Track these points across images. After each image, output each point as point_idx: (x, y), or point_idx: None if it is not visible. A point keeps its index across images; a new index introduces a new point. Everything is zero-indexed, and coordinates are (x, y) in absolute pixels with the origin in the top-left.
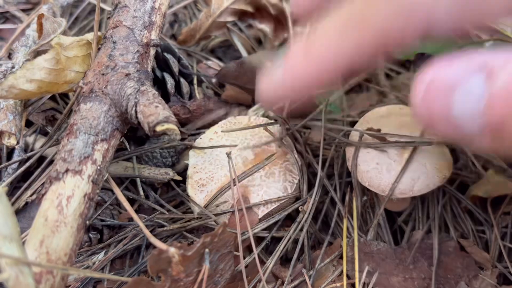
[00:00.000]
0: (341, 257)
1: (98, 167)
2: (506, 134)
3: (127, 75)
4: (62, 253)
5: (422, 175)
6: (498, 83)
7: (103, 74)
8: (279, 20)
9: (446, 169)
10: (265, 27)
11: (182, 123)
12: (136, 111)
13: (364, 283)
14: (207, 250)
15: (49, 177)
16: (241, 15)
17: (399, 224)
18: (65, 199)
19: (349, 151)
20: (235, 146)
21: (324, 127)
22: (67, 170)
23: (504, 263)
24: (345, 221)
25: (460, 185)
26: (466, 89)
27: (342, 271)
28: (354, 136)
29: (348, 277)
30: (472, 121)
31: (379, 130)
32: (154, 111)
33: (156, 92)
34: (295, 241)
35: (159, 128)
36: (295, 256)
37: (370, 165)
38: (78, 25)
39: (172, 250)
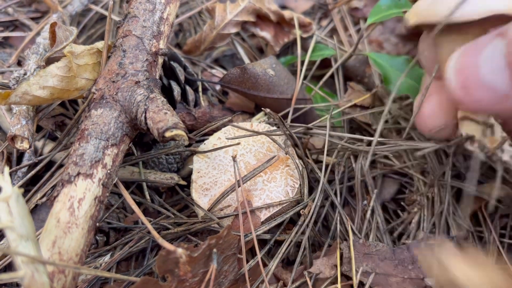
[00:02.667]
0: (340, 258)
1: (108, 171)
2: None
3: (137, 82)
4: (74, 253)
5: None
6: None
7: (113, 82)
8: (280, 26)
9: None
10: (267, 34)
11: (187, 129)
12: (145, 117)
13: (363, 283)
14: (214, 250)
15: (61, 180)
16: (244, 24)
17: (398, 226)
18: (77, 201)
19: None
20: (238, 144)
21: (327, 134)
22: (78, 174)
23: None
24: (349, 224)
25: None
26: (490, 49)
27: (342, 272)
28: None
29: (348, 277)
30: (501, 76)
31: None
32: (163, 118)
33: (165, 99)
34: (297, 244)
35: (168, 134)
36: (297, 258)
37: None
38: (85, 33)
39: (180, 250)
